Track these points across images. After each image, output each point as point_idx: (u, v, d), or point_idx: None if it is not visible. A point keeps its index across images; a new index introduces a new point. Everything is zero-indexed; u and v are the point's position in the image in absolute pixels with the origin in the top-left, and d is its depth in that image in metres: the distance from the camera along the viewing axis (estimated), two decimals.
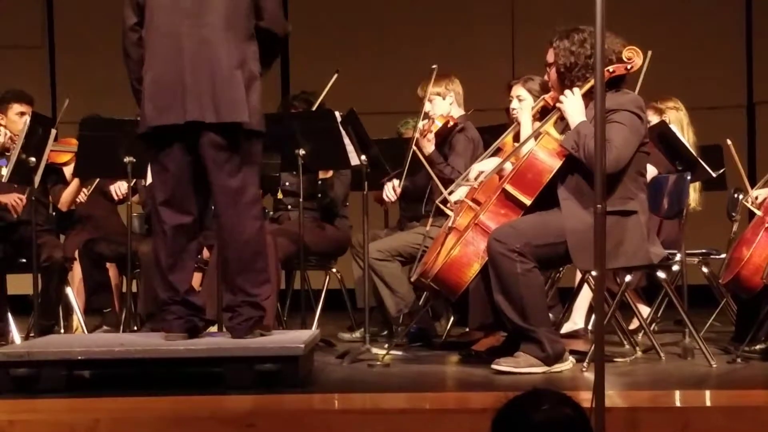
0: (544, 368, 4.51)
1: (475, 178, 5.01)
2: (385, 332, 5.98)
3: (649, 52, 5.67)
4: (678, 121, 6.13)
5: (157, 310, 6.11)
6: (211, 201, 4.55)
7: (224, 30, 4.40)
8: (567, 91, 4.67)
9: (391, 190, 5.96)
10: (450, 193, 5.21)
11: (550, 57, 4.76)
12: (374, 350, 5.10)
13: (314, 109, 5.92)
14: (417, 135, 5.80)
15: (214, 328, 5.14)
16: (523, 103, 5.48)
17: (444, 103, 6.02)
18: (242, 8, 4.44)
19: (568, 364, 4.59)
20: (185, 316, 4.53)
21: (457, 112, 6.10)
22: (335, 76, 5.96)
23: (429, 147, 5.89)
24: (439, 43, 8.85)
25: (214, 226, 4.60)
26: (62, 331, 6.16)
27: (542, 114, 4.98)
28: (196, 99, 4.36)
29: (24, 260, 5.89)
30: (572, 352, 4.70)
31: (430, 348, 5.63)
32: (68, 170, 6.37)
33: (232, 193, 4.43)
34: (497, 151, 5.22)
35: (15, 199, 5.86)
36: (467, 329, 5.55)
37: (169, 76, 4.39)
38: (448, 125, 5.97)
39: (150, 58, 4.45)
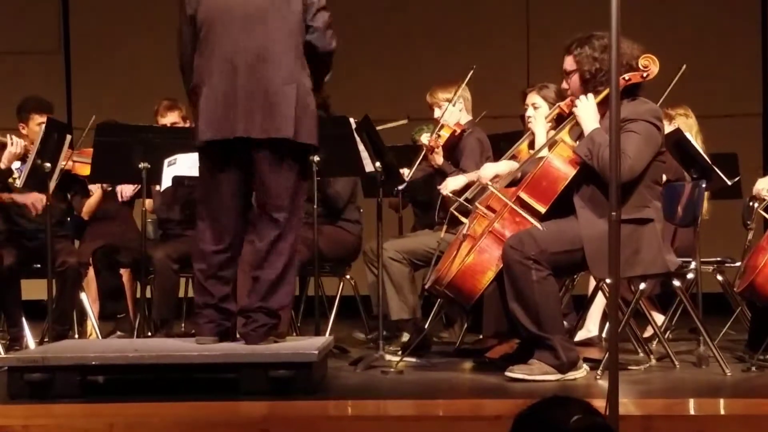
0: (558, 376, 4.50)
1: (492, 180, 5.00)
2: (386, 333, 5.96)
3: (683, 66, 5.68)
4: (688, 128, 6.12)
5: (172, 315, 6.16)
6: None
7: (277, 46, 4.46)
8: (582, 96, 4.66)
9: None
10: (466, 200, 5.20)
11: (569, 65, 4.74)
12: (387, 357, 5.10)
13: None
14: (424, 144, 5.83)
15: None
16: (538, 110, 5.48)
17: (454, 110, 6.02)
18: (294, 25, 4.49)
19: (582, 372, 4.58)
20: (217, 320, 4.57)
21: (466, 117, 6.11)
22: (405, 121, 5.98)
23: (438, 159, 5.91)
24: (455, 51, 8.84)
25: (252, 229, 4.62)
26: (76, 336, 6.18)
27: (558, 122, 4.97)
28: (247, 115, 4.42)
29: (39, 266, 5.91)
30: (586, 360, 4.70)
31: (442, 356, 5.62)
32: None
33: (276, 209, 4.48)
34: (512, 159, 5.23)
35: (35, 199, 5.87)
36: (481, 336, 5.54)
37: (222, 92, 4.45)
38: (455, 134, 5.97)
39: (204, 74, 4.51)
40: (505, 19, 9.14)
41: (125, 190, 6.42)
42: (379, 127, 5.59)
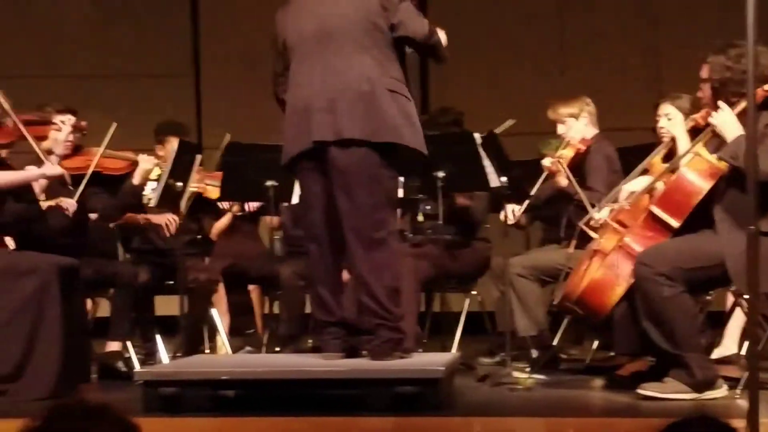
0: (693, 395, 4.37)
1: (626, 199, 4.90)
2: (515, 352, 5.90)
3: None
4: None
5: (300, 331, 6.21)
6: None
7: (356, 51, 4.46)
8: (721, 103, 4.53)
9: (510, 212, 5.87)
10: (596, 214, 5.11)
11: (705, 72, 4.63)
12: (515, 374, 5.04)
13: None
14: (546, 167, 5.76)
15: None
16: (673, 120, 5.34)
17: (578, 124, 5.93)
18: (373, 26, 4.48)
19: (720, 391, 4.44)
20: (342, 337, 4.59)
21: (592, 131, 6.00)
22: (511, 122, 5.94)
23: (562, 181, 5.80)
24: (581, 63, 8.75)
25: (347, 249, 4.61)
26: (207, 351, 6.27)
27: (692, 135, 4.85)
28: (322, 121, 4.43)
29: (171, 282, 6.02)
30: (725, 379, 4.56)
31: (572, 373, 5.53)
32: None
33: (361, 215, 4.45)
34: (644, 172, 5.10)
35: (169, 219, 6.00)
36: (612, 353, 5.44)
37: (299, 103, 4.50)
38: (580, 151, 5.87)
39: (290, 92, 4.58)
40: (631, 29, 8.99)
41: (251, 203, 6.53)
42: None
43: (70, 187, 5.17)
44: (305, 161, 4.52)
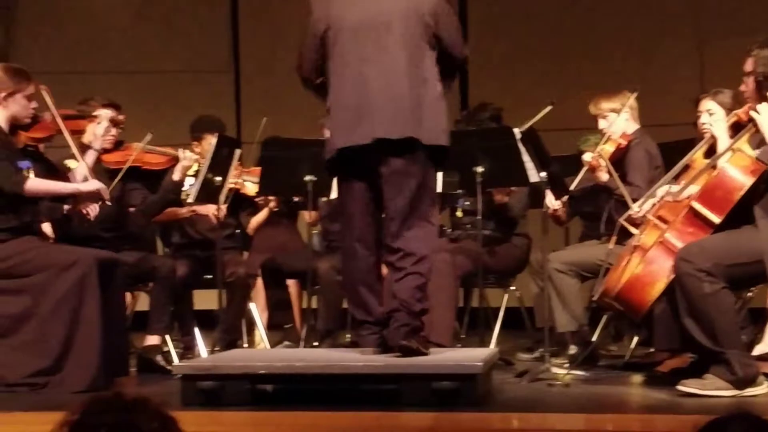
0: (734, 392, 4.33)
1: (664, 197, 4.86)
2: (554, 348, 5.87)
3: None
4: None
5: (338, 325, 6.22)
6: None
7: (406, 53, 4.47)
8: (764, 104, 4.48)
9: (552, 200, 5.82)
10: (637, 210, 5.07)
11: (749, 66, 4.57)
12: (554, 370, 5.01)
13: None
14: (586, 162, 5.72)
15: None
16: (714, 116, 5.28)
17: (619, 119, 5.88)
18: (422, 31, 4.50)
19: (761, 388, 4.40)
20: (379, 333, 4.57)
21: (633, 127, 5.95)
22: (549, 108, 5.91)
23: (603, 177, 5.76)
24: (622, 57, 8.69)
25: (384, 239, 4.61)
26: (245, 345, 6.29)
27: (734, 130, 4.80)
28: (381, 120, 4.43)
29: (209, 276, 6.05)
30: (766, 376, 4.51)
31: (611, 369, 5.50)
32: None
33: (407, 214, 4.46)
34: (686, 168, 5.06)
35: (214, 210, 6.02)
36: (652, 350, 5.40)
37: (355, 101, 4.48)
38: (621, 146, 5.82)
39: (336, 86, 4.55)
40: (673, 24, 8.91)
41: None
42: (528, 123, 5.55)
43: (108, 203, 5.20)
44: (351, 158, 4.51)
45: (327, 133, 4.73)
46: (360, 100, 4.47)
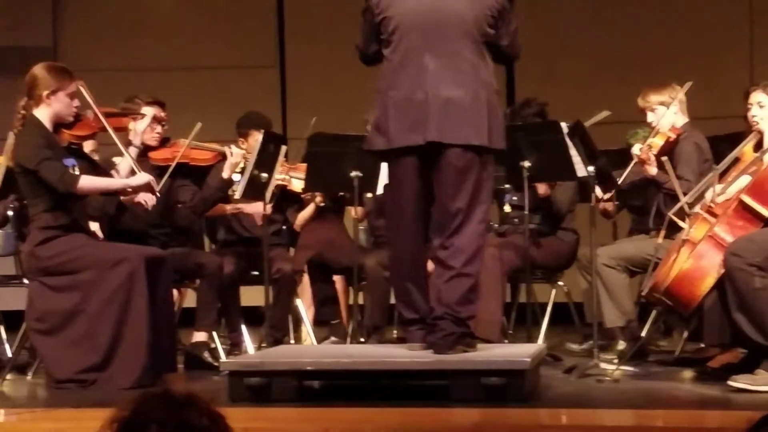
0: None
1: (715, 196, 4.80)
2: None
3: None
4: None
5: (384, 321, 6.21)
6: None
7: (467, 47, 4.45)
8: None
9: (599, 193, 5.77)
10: (686, 204, 5.02)
11: None
12: (603, 365, 4.98)
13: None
14: (636, 155, 5.66)
15: None
16: (763, 109, 5.21)
17: (668, 113, 5.81)
18: (485, 23, 4.47)
19: None
20: (426, 328, 4.54)
21: (682, 120, 5.88)
22: (606, 114, 5.87)
23: (651, 170, 5.69)
24: (671, 49, 8.61)
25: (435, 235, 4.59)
26: (292, 341, 6.31)
27: None
28: (439, 121, 4.40)
29: (256, 273, 6.06)
30: None
31: (661, 365, 5.45)
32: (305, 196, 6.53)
33: (461, 217, 4.44)
34: (735, 161, 5.00)
35: (260, 209, 6.03)
36: (702, 345, 5.35)
37: (413, 97, 4.44)
38: (670, 140, 5.75)
39: (394, 77, 4.51)
40: (725, 15, 8.81)
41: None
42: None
43: (158, 194, 5.22)
44: (408, 155, 4.49)
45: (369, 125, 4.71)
46: (419, 98, 4.42)
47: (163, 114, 5.71)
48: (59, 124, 5.04)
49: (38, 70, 5.03)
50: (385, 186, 4.78)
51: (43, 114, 4.98)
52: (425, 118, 4.41)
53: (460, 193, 4.42)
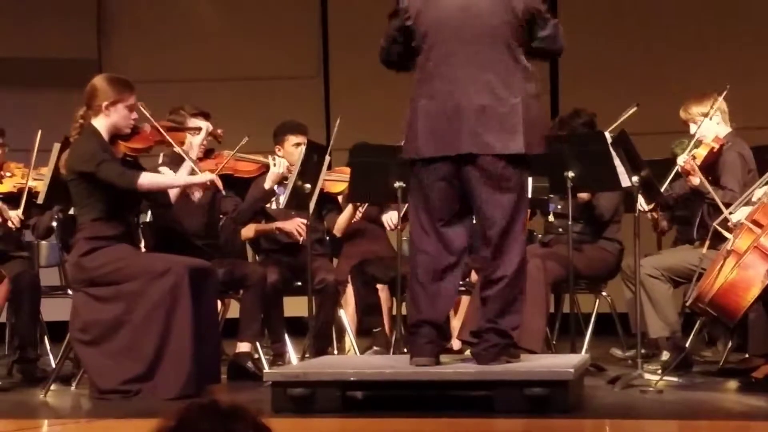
0: None
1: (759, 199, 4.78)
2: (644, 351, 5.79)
3: None
4: None
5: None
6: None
7: (501, 52, 4.40)
8: None
9: (643, 203, 5.73)
10: (730, 214, 5.00)
11: None
12: (647, 376, 4.96)
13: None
14: (680, 166, 5.63)
15: None
16: None
17: (711, 123, 5.77)
18: (520, 28, 4.42)
19: None
20: (435, 341, 4.48)
21: (725, 130, 5.84)
22: (634, 109, 5.84)
23: (694, 181, 5.64)
24: (715, 59, 8.55)
25: (478, 250, 4.57)
26: (335, 352, 6.32)
27: None
28: (471, 130, 4.36)
29: (299, 283, 6.08)
30: None
31: (705, 375, 5.42)
32: (342, 198, 6.54)
33: (498, 226, 4.40)
34: None
35: (298, 224, 6.06)
36: (746, 355, 5.31)
37: (444, 105, 4.41)
38: (714, 150, 5.71)
39: (424, 86, 4.48)
40: (766, 27, 8.75)
41: (392, 219, 6.50)
42: (614, 125, 5.48)
43: (223, 192, 5.24)
44: (438, 163, 4.45)
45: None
46: (451, 106, 4.39)
47: (219, 131, 5.70)
48: (116, 135, 5.07)
49: (99, 81, 5.08)
50: (410, 191, 4.70)
51: (101, 124, 5.02)
52: (457, 128, 4.37)
53: (499, 204, 4.39)
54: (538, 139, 4.45)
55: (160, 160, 6.04)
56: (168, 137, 5.19)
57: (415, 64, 4.54)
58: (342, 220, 6.52)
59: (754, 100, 7.56)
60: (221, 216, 5.93)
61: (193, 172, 5.24)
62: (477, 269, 4.61)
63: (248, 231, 6.25)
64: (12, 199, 5.79)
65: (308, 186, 5.65)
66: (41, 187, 5.66)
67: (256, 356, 5.74)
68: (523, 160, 4.44)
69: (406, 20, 4.51)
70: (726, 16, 8.84)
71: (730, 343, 5.73)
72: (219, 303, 5.92)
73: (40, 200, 5.67)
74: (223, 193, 5.27)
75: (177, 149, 5.27)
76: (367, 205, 6.57)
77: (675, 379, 5.04)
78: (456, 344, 5.91)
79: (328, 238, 6.61)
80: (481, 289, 4.52)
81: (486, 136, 4.36)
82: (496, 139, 4.36)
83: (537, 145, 4.45)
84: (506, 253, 4.41)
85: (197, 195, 5.22)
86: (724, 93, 5.74)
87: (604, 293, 6.11)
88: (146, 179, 4.97)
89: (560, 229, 5.98)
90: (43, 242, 6.56)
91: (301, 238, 6.05)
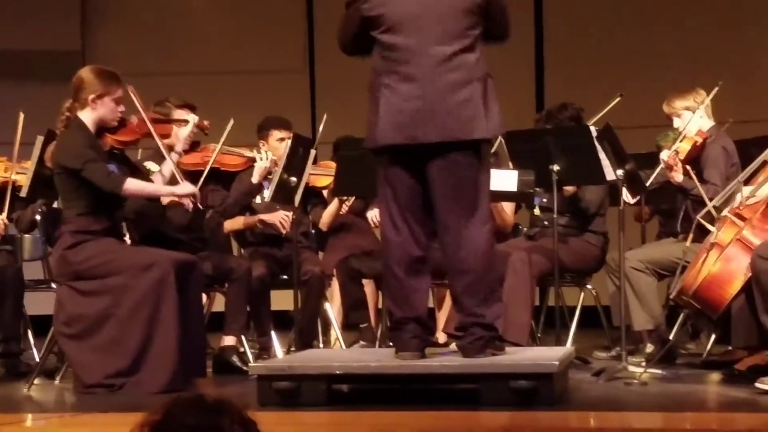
0: None
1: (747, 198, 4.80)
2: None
3: None
4: None
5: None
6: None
7: (460, 45, 4.36)
8: None
9: (629, 195, 5.75)
10: (714, 208, 5.02)
11: None
12: (631, 368, 4.98)
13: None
14: (663, 161, 5.65)
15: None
16: None
17: (694, 117, 5.80)
18: (475, 21, 4.39)
19: None
20: (420, 335, 4.47)
21: (708, 124, 5.87)
22: (618, 99, 5.85)
23: (677, 177, 5.67)
24: (702, 53, 8.58)
25: (438, 243, 4.56)
26: (321, 345, 6.32)
27: None
28: (431, 119, 4.34)
29: (285, 277, 6.08)
30: None
31: (688, 367, 5.44)
32: (327, 192, 6.55)
33: (461, 214, 4.38)
34: (763, 164, 4.98)
35: (282, 217, 6.06)
36: (729, 348, 5.34)
37: (405, 94, 4.38)
38: (697, 144, 5.73)
39: (384, 74, 4.44)
40: (758, 17, 8.77)
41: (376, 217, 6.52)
42: (598, 116, 5.49)
43: (200, 206, 5.23)
44: (400, 153, 4.42)
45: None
46: (411, 95, 4.35)
47: (206, 123, 5.65)
48: (103, 128, 5.05)
49: (86, 73, 5.05)
50: (378, 182, 4.70)
51: (88, 117, 4.99)
52: (418, 117, 4.34)
53: (463, 191, 4.36)
54: (497, 121, 4.41)
55: (139, 156, 6.04)
56: (153, 131, 5.17)
57: (373, 51, 4.51)
58: (327, 214, 6.52)
59: (748, 93, 7.60)
60: (207, 209, 5.92)
61: (174, 178, 5.23)
62: (446, 266, 4.55)
63: (234, 223, 6.25)
64: None
65: (294, 179, 5.66)
66: (24, 181, 5.65)
67: (242, 350, 5.74)
68: (487, 143, 4.43)
69: (365, 11, 4.47)
70: (716, 6, 8.86)
71: (713, 336, 5.76)
72: (204, 297, 5.92)
73: (23, 194, 5.66)
74: (201, 207, 5.26)
75: (162, 149, 5.23)
76: (353, 199, 6.58)
77: (659, 371, 5.06)
78: (441, 337, 5.93)
79: (314, 231, 6.61)
80: (450, 284, 4.51)
81: (448, 122, 4.33)
82: (458, 126, 4.33)
83: (499, 126, 4.43)
84: (473, 245, 4.37)
85: (191, 206, 5.21)
86: (715, 90, 5.75)
87: (588, 286, 6.13)
88: (131, 185, 4.96)
89: (546, 223, 6.00)
90: (27, 236, 6.54)
91: (284, 231, 6.06)
